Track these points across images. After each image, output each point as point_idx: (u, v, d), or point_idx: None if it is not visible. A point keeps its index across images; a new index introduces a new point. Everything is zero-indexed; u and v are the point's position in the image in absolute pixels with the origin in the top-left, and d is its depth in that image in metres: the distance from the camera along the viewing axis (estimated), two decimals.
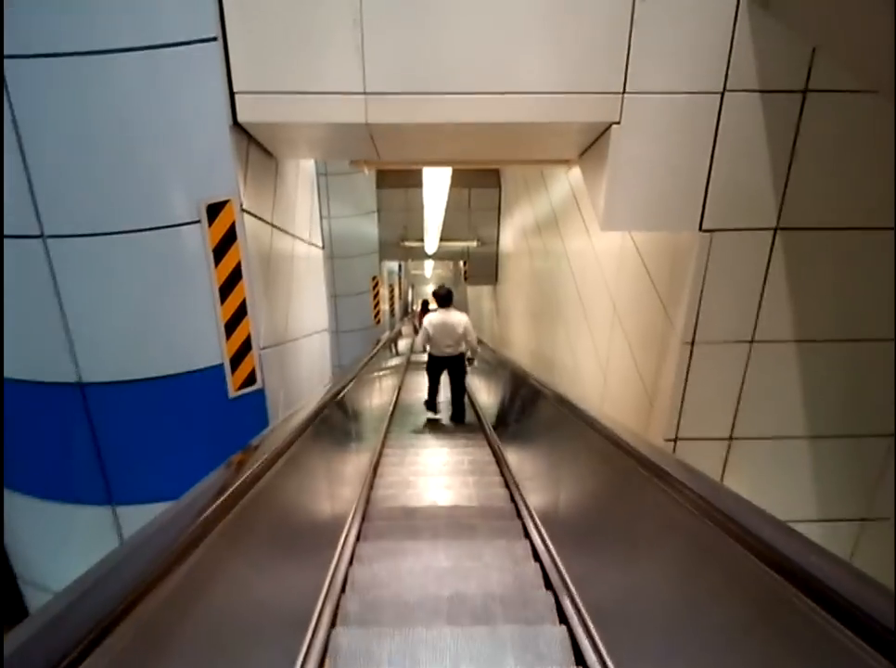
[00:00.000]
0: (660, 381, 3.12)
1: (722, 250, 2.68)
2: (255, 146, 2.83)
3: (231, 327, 2.77)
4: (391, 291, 15.35)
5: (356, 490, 3.34)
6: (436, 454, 4.69)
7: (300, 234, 3.75)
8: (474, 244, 10.15)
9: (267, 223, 3.04)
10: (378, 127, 2.54)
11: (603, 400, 4.11)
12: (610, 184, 2.61)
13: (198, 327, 2.73)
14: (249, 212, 2.74)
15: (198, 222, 2.57)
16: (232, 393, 2.87)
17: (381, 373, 6.88)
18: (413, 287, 28.53)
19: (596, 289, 4.25)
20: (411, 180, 9.18)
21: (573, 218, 4.94)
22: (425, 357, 6.40)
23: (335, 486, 2.96)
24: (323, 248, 4.58)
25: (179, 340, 2.73)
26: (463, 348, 6.07)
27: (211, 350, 2.77)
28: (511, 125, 2.53)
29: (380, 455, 4.42)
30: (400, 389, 8.72)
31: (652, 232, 3.19)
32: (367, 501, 3.33)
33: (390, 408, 6.74)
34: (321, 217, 9.65)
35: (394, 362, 10.33)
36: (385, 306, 12.41)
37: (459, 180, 8.35)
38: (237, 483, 1.43)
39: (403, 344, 13.84)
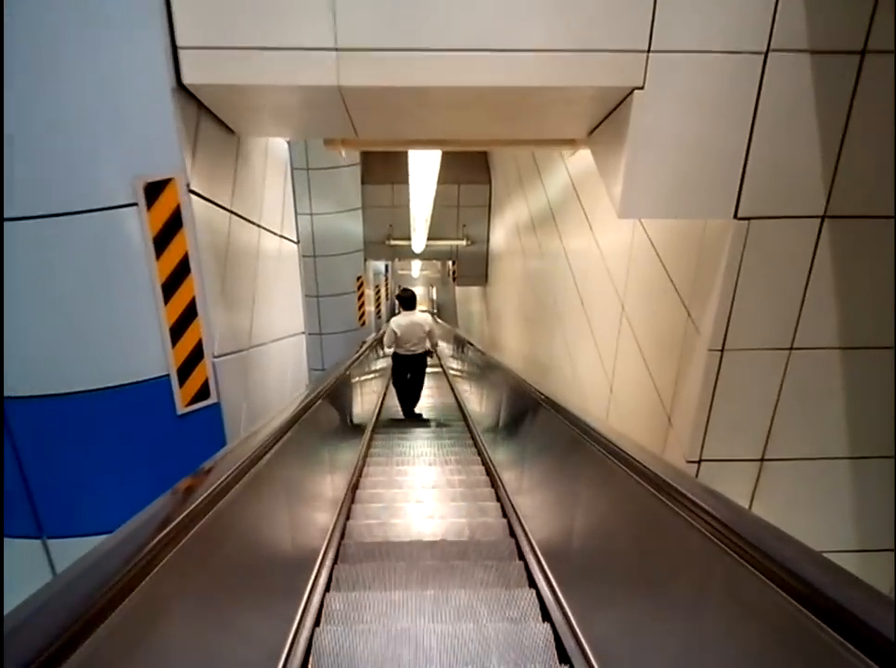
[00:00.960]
0: (682, 394, 2.72)
1: (760, 242, 2.27)
2: (208, 117, 2.39)
3: (178, 331, 2.32)
4: (377, 292, 14.89)
5: (329, 519, 2.89)
6: (424, 473, 4.24)
7: (268, 225, 3.31)
8: (463, 243, 9.73)
9: (224, 209, 2.60)
10: (353, 92, 2.10)
11: (608, 413, 3.70)
12: (630, 162, 2.20)
13: (139, 332, 2.28)
14: (198, 195, 2.29)
15: (135, 204, 2.13)
16: (181, 409, 2.42)
17: (364, 377, 6.44)
18: (399, 288, 28.12)
19: (601, 290, 3.85)
20: (397, 176, 8.74)
21: (573, 213, 4.53)
22: None
23: (303, 517, 2.52)
24: (298, 242, 4.13)
25: (115, 347, 2.28)
26: (426, 346, 6.45)
27: (154, 358, 2.32)
28: (513, 91, 2.10)
29: (360, 473, 3.98)
30: (384, 394, 8.27)
31: (673, 221, 2.79)
32: (343, 534, 2.88)
33: (373, 417, 6.30)
34: (298, 213, 9.23)
35: (380, 365, 9.88)
36: (370, 307, 11.96)
37: (448, 175, 7.93)
38: (182, 516, 1.21)
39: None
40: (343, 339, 10.22)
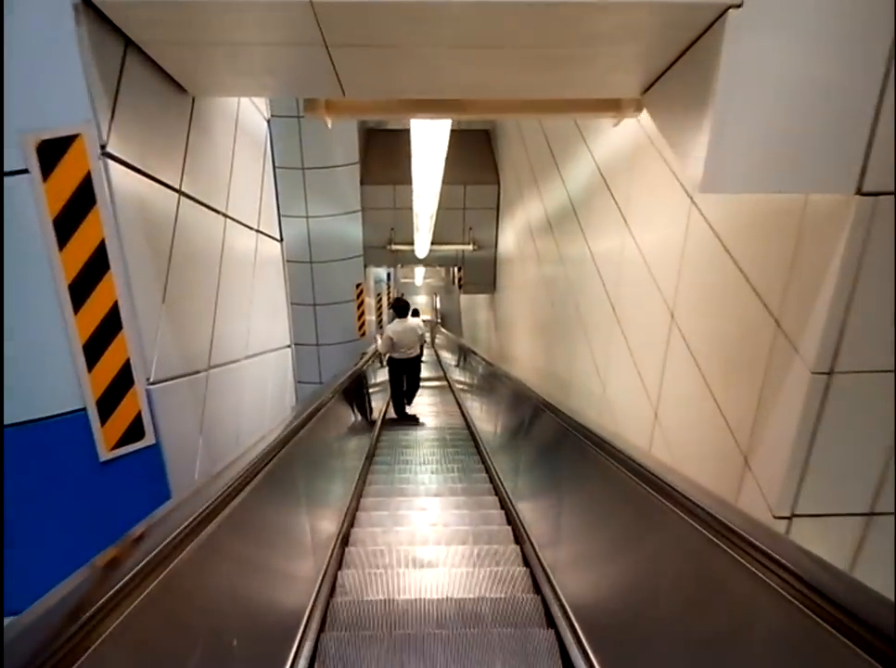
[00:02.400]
0: (767, 429, 2.08)
1: (889, 225, 1.65)
2: (142, 61, 1.77)
3: (95, 349, 1.69)
4: (379, 301, 14.28)
5: (307, 597, 2.23)
6: (429, 512, 3.57)
7: (239, 216, 2.69)
8: (469, 248, 9.10)
9: (169, 187, 1.98)
10: (331, 13, 1.49)
11: (652, 443, 3.06)
12: (720, 117, 1.58)
13: (41, 351, 1.66)
14: (121, 161, 1.67)
15: (26, 171, 1.51)
16: (104, 454, 1.79)
17: (362, 392, 5.81)
18: (402, 296, 27.47)
19: (640, 295, 3.22)
20: (399, 176, 8.14)
21: (602, 207, 3.91)
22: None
23: (273, 597, 1.88)
24: (282, 240, 3.52)
25: (10, 372, 1.65)
26: (419, 351, 6.74)
27: (63, 387, 1.70)
28: (557, 10, 1.48)
29: (352, 520, 3.29)
30: (385, 411, 7.63)
31: (748, 203, 2.16)
32: (325, 614, 2.21)
33: (373, 439, 5.65)
34: (292, 216, 8.65)
35: (381, 377, 9.25)
36: (371, 317, 11.34)
37: (453, 176, 7.30)
38: (104, 599, 0.88)
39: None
40: (342, 350, 9.59)
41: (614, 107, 2.24)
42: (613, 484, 1.97)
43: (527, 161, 6.44)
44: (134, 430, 1.82)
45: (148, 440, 1.85)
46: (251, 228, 2.89)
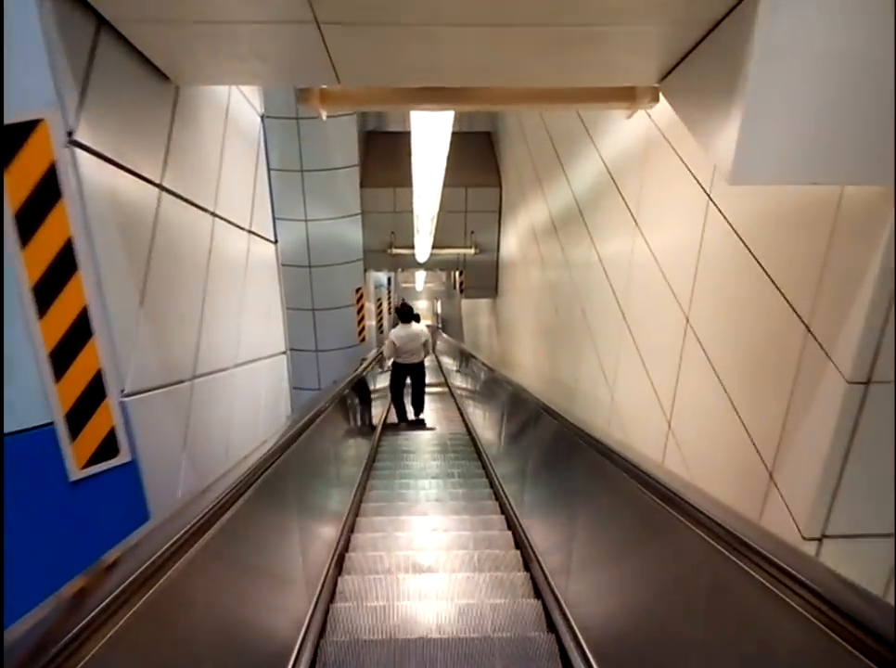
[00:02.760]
0: (795, 443, 1.92)
1: None
2: (115, 41, 1.62)
3: (63, 357, 1.54)
4: (379, 306, 14.14)
5: (298, 627, 2.07)
6: (432, 532, 3.38)
7: (229, 215, 2.54)
8: (471, 252, 8.95)
9: (148, 182, 1.83)
10: None
11: (665, 455, 2.90)
12: (753, 101, 1.42)
13: (4, 360, 1.51)
14: (92, 151, 1.52)
15: None
16: (75, 473, 1.64)
17: (362, 400, 5.65)
18: (403, 301, 27.32)
19: (652, 299, 3.06)
20: (399, 178, 8.00)
21: (610, 208, 3.76)
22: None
23: (264, 622, 1.72)
24: (276, 242, 3.37)
25: None
26: (422, 356, 6.79)
27: (29, 399, 1.54)
28: None
29: (347, 540, 3.10)
30: (385, 418, 7.46)
31: (774, 197, 2.01)
32: (318, 643, 2.04)
33: (371, 447, 5.49)
34: (291, 219, 8.50)
35: (381, 384, 9.09)
36: (371, 322, 11.19)
37: (454, 178, 7.15)
38: (74, 631, 0.79)
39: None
40: (342, 355, 9.43)
41: (628, 96, 2.10)
42: (630, 500, 1.81)
43: (530, 162, 6.29)
44: (108, 447, 1.66)
45: (123, 457, 1.70)
46: (243, 229, 2.74)
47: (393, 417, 7.26)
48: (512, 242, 7.91)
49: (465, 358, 9.32)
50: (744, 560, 1.12)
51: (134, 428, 1.70)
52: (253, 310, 2.88)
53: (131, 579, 0.95)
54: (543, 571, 2.69)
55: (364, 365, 6.59)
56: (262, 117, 3.11)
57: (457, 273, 9.87)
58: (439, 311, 27.40)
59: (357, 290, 9.16)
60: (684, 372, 2.71)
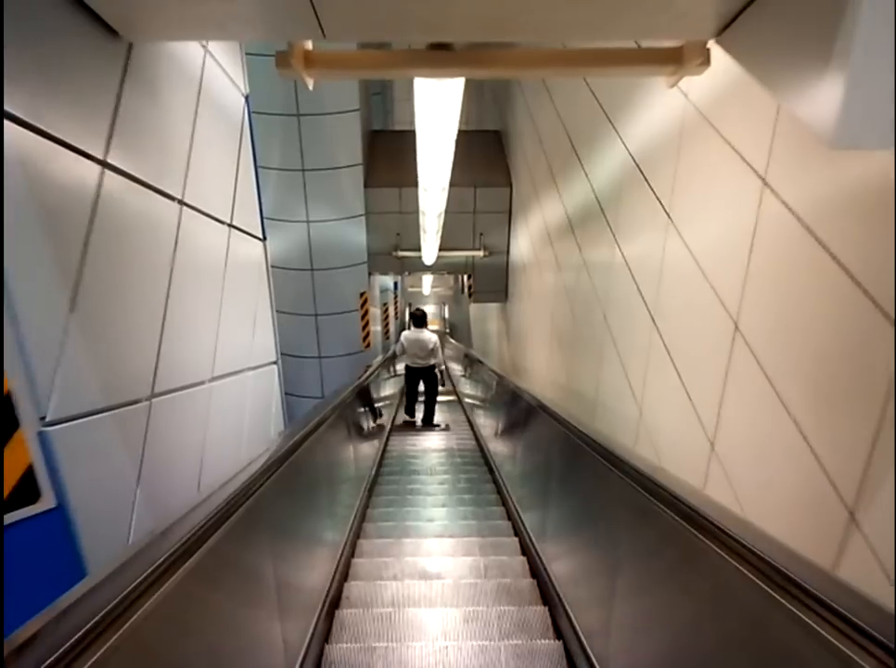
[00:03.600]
0: (885, 474, 1.54)
1: None
2: None
3: None
4: (385, 311, 13.79)
5: None
6: (439, 570, 2.99)
7: (204, 205, 2.19)
8: (480, 254, 8.58)
9: (84, 155, 1.47)
10: None
11: (706, 480, 2.52)
12: (865, 44, 1.06)
13: None
14: (7, 114, 1.17)
15: None
16: None
17: (365, 411, 5.28)
18: (410, 306, 26.96)
19: (690, 302, 2.69)
20: (405, 178, 7.64)
21: (637, 204, 3.39)
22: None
23: None
24: (264, 239, 3.02)
25: None
26: (433, 361, 7.06)
27: None
28: None
29: (339, 594, 2.68)
30: (388, 435, 7.07)
31: (856, 179, 1.63)
32: None
33: (374, 464, 5.11)
34: (292, 220, 8.15)
35: (387, 391, 8.71)
36: (376, 327, 10.84)
37: (462, 178, 6.79)
38: None
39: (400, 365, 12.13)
40: (346, 362, 9.09)
41: (673, 58, 1.73)
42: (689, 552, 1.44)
43: (543, 158, 5.93)
44: (25, 490, 1.30)
45: (46, 502, 1.34)
46: (222, 222, 2.39)
47: (399, 432, 6.90)
48: (523, 244, 7.54)
49: (472, 366, 8.97)
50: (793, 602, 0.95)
51: (61, 464, 1.34)
52: (235, 315, 2.52)
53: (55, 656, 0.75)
54: (568, 612, 2.30)
55: (368, 372, 6.25)
56: (246, 98, 2.76)
57: (465, 276, 9.49)
58: (446, 316, 27.04)
59: (361, 295, 8.82)
60: (732, 386, 2.33)
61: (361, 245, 8.52)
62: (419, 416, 7.62)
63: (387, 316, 14.18)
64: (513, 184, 8.26)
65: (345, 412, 3.41)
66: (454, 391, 10.46)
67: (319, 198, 8.01)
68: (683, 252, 2.75)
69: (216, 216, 2.34)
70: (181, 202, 2.02)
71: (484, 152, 8.93)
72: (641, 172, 3.29)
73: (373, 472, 4.78)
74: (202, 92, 2.21)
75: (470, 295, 9.23)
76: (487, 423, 6.18)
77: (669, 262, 2.93)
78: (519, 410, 4.14)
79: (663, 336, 2.99)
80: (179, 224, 1.99)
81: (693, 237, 2.68)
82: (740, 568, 1.15)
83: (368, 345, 9.28)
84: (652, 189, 3.13)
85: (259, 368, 2.87)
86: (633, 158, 3.43)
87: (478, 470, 5.21)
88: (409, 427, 7.53)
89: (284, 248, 8.37)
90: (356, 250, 8.53)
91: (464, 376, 9.25)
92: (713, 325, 2.44)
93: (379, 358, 9.03)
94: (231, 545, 1.35)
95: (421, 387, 7.38)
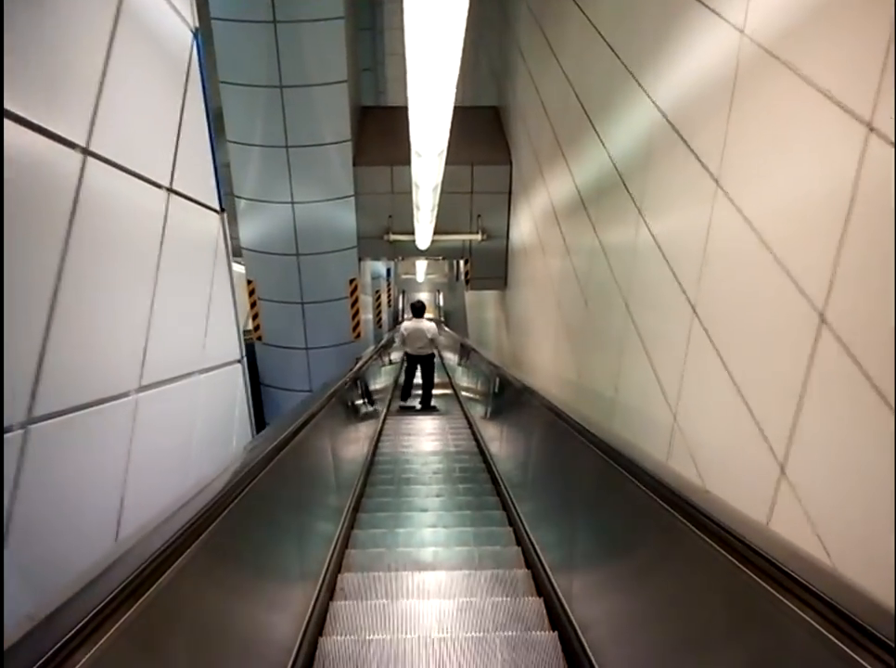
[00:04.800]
0: None
1: None
2: None
3: None
4: (378, 299, 13.22)
5: None
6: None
7: (124, 159, 1.63)
8: (478, 238, 8.00)
9: None
10: None
11: (774, 507, 2.00)
12: None
13: None
14: None
15: None
16: None
17: (352, 413, 4.75)
18: (404, 293, 26.37)
19: (750, 288, 2.15)
20: (397, 155, 7.03)
21: (670, 170, 2.86)
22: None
23: None
24: (222, 211, 2.47)
25: None
26: (432, 349, 7.82)
27: None
28: None
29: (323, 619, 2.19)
30: (380, 434, 6.56)
31: None
32: None
33: (362, 471, 4.58)
34: (275, 201, 7.54)
35: (380, 385, 8.18)
36: (367, 316, 10.30)
37: (458, 155, 6.18)
38: None
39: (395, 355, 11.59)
40: (335, 354, 8.55)
41: None
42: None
43: (549, 129, 5.36)
44: None
45: None
46: (155, 184, 1.83)
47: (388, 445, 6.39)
48: (525, 226, 6.98)
49: (467, 355, 8.46)
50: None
51: None
52: (178, 306, 1.98)
53: None
54: None
55: (359, 364, 5.75)
56: (194, 32, 2.19)
57: (462, 262, 8.93)
58: (441, 304, 26.49)
59: (351, 281, 8.27)
60: (816, 394, 1.81)
61: (350, 228, 7.94)
62: (413, 402, 8.19)
63: (379, 305, 13.61)
64: (513, 161, 7.68)
65: (326, 421, 2.88)
66: (451, 384, 9.96)
67: (304, 177, 7.43)
68: (737, 226, 2.21)
69: (145, 175, 1.79)
70: (85, 151, 1.47)
71: (481, 129, 8.35)
72: (677, 132, 2.75)
73: (366, 465, 4.26)
74: (123, 11, 1.66)
75: (467, 282, 8.67)
76: (489, 424, 5.65)
77: (717, 238, 2.39)
78: (532, 417, 3.60)
79: (707, 328, 2.46)
80: (81, 178, 1.45)
81: (753, 207, 2.14)
82: (739, 565, 1.12)
83: (359, 335, 8.74)
84: (693, 151, 2.59)
85: (214, 370, 2.34)
86: (664, 117, 2.88)
87: (478, 465, 4.72)
88: (406, 412, 7.93)
89: (267, 231, 7.80)
90: (345, 234, 7.95)
91: (463, 370, 8.73)
92: (786, 315, 1.91)
93: (371, 348, 8.51)
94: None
95: (418, 378, 8.06)
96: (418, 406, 8.07)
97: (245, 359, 2.75)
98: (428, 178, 4.01)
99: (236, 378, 2.65)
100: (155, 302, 1.84)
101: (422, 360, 7.82)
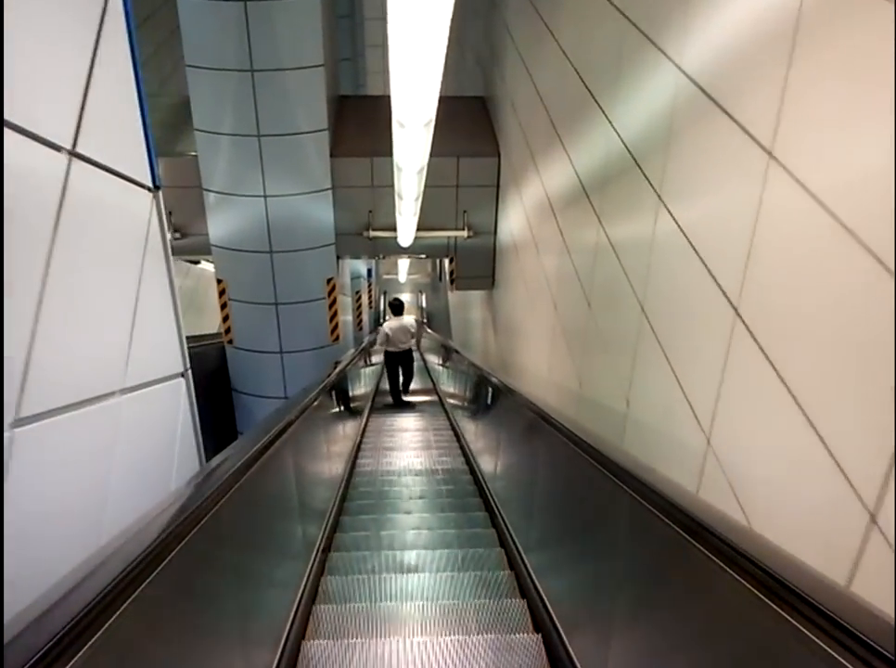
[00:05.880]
0: None
1: None
2: None
3: None
4: (358, 300, 12.68)
5: None
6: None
7: None
8: (463, 235, 7.53)
9: None
10: None
11: (858, 567, 1.55)
12: None
13: None
14: None
15: None
16: None
17: (328, 426, 4.26)
18: (385, 294, 25.81)
19: (819, 291, 1.71)
20: (378, 146, 6.53)
21: (701, 147, 2.41)
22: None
23: None
24: (158, 188, 1.96)
25: None
26: (411, 344, 8.00)
27: None
28: None
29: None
30: (359, 445, 6.08)
31: None
32: None
33: (337, 492, 4.08)
34: (246, 194, 7.00)
35: (360, 391, 7.67)
36: (346, 317, 9.76)
37: (443, 147, 5.69)
38: None
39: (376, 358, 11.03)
40: (312, 358, 8.03)
41: None
42: None
43: (543, 114, 4.89)
44: None
45: None
46: (50, 145, 1.33)
47: (368, 459, 5.90)
48: (515, 221, 6.51)
49: (448, 354, 8.00)
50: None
51: None
52: (83, 309, 1.48)
53: None
54: None
55: (337, 369, 5.25)
56: None
57: (447, 260, 8.45)
58: (423, 305, 25.97)
59: (329, 281, 7.75)
60: None
61: (327, 224, 7.42)
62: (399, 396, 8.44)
63: (360, 306, 13.07)
64: (501, 153, 7.21)
65: (291, 447, 2.38)
66: (436, 390, 9.48)
67: (278, 168, 6.89)
68: (800, 208, 1.76)
69: (30, 130, 1.29)
70: None
71: (467, 120, 7.87)
72: (711, 98, 2.30)
73: (341, 486, 3.76)
74: None
75: (452, 281, 8.19)
76: (480, 440, 5.17)
77: (768, 225, 1.94)
78: (525, 429, 3.12)
79: (757, 336, 2.01)
80: None
81: (824, 183, 1.69)
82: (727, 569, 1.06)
83: (337, 338, 8.22)
84: (734, 120, 2.14)
85: (143, 389, 1.83)
86: (693, 82, 2.43)
87: (468, 489, 4.21)
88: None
89: (238, 227, 7.25)
90: (322, 230, 7.43)
91: (451, 378, 8.26)
92: (876, 324, 1.47)
93: (351, 352, 8.00)
94: None
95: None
96: (404, 397, 8.43)
97: (189, 372, 2.25)
98: (413, 157, 3.45)
99: (178, 396, 2.15)
100: (43, 303, 1.34)
101: (403, 356, 8.02)
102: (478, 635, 2.24)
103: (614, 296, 3.39)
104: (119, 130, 1.76)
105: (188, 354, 2.28)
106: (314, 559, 2.76)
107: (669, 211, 2.65)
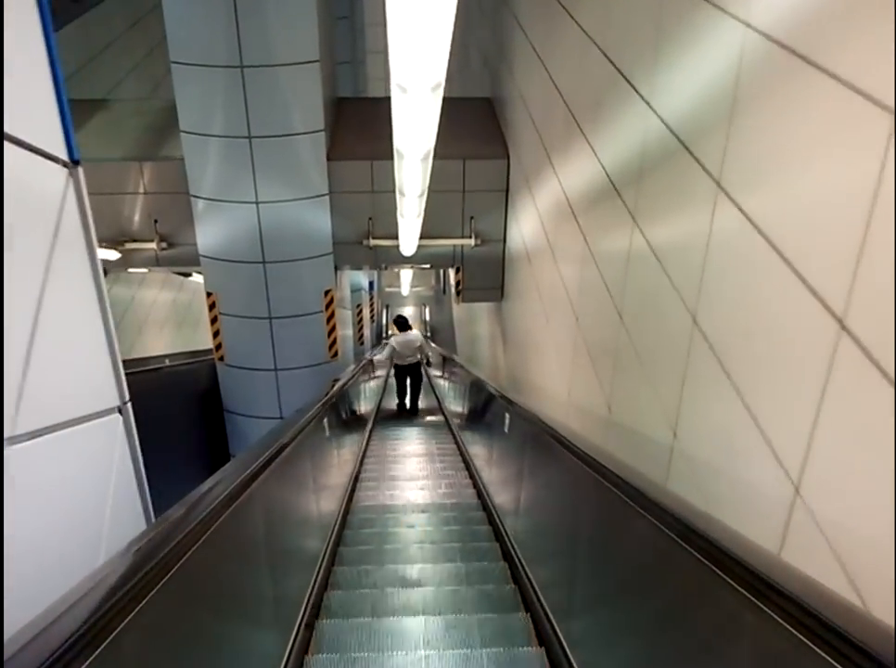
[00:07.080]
0: None
1: None
2: None
3: None
4: (360, 314, 12.17)
5: None
6: None
7: None
8: (471, 243, 7.02)
9: None
10: None
11: None
12: None
13: None
14: None
15: None
16: None
17: (322, 454, 3.75)
18: (388, 308, 25.31)
19: None
20: (378, 149, 6.07)
21: (785, 123, 1.91)
22: None
23: None
24: (76, 163, 1.46)
25: None
26: (419, 357, 8.34)
27: None
28: None
29: None
30: (358, 472, 5.55)
31: None
32: None
33: (331, 534, 3.55)
34: (238, 201, 6.50)
35: (363, 408, 7.18)
36: (346, 332, 9.27)
37: (449, 149, 5.22)
38: None
39: (380, 371, 10.53)
40: (309, 375, 7.52)
41: None
42: None
43: (561, 106, 4.40)
44: None
45: None
46: None
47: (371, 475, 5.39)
48: (527, 227, 6.00)
49: (450, 367, 7.48)
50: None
51: None
52: None
53: None
54: None
55: (335, 388, 4.79)
56: None
57: (453, 270, 7.95)
58: (427, 318, 25.48)
59: (327, 293, 7.26)
60: None
61: (324, 232, 6.94)
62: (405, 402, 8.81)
63: (361, 320, 12.55)
64: (511, 155, 6.73)
65: (276, 488, 1.87)
66: (441, 409, 8.98)
67: (271, 172, 6.42)
68: None
69: None
70: None
71: (474, 122, 7.41)
72: (799, 56, 1.80)
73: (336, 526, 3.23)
74: None
75: (458, 293, 7.68)
76: (494, 473, 4.63)
77: (884, 214, 1.43)
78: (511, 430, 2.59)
79: (874, 355, 1.49)
80: None
81: None
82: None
83: (336, 354, 7.70)
84: (835, 77, 1.64)
85: (51, 433, 1.33)
86: (768, 38, 1.94)
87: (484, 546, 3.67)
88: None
89: (229, 236, 6.78)
90: (319, 239, 6.94)
91: (458, 399, 7.77)
92: None
93: (351, 368, 7.50)
94: None
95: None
96: (408, 405, 8.78)
97: (129, 404, 1.74)
98: (417, 136, 2.79)
99: (111, 437, 1.65)
100: None
101: (411, 369, 8.39)
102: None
103: (654, 307, 2.88)
104: (22, 92, 1.27)
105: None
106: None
107: (736, 204, 2.14)
